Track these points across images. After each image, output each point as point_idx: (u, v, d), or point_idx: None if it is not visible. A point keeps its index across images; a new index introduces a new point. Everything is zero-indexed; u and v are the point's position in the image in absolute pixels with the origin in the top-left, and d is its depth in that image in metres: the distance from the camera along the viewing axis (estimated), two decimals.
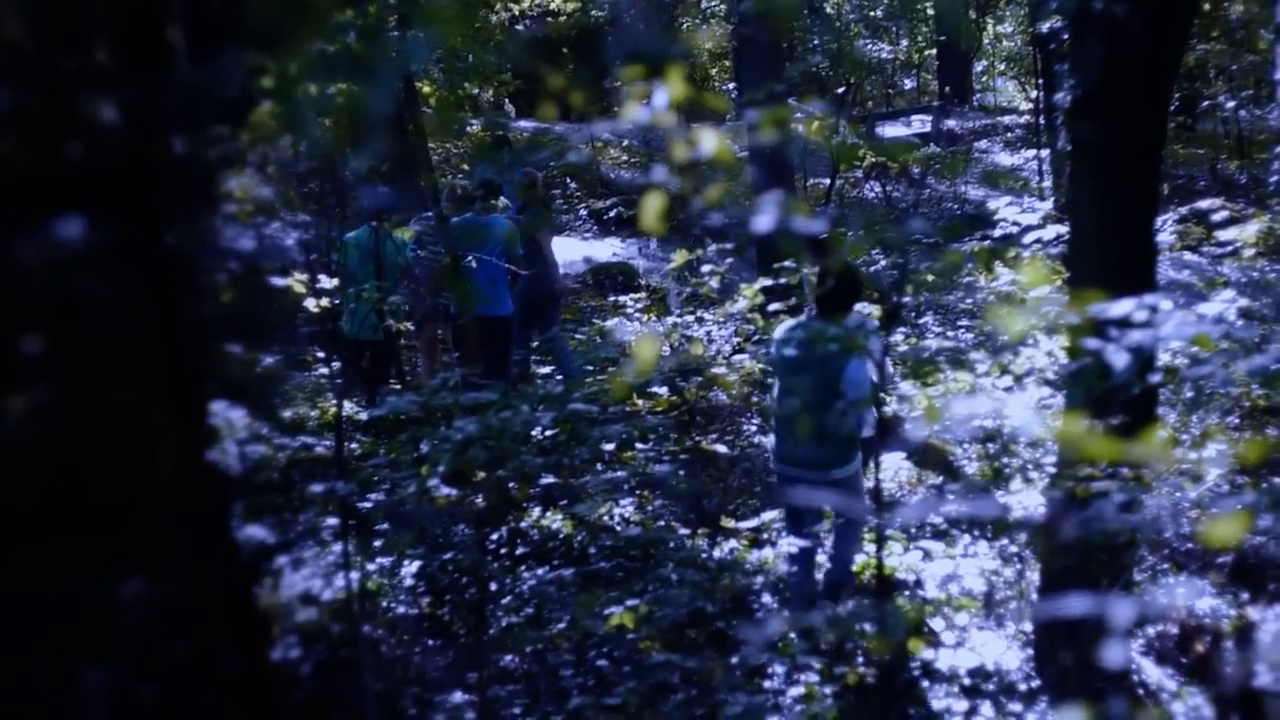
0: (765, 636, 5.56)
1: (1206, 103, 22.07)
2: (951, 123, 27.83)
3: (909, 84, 34.60)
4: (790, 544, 7.53)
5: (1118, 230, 6.60)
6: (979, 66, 34.53)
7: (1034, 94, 25.30)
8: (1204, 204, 10.54)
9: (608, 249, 18.53)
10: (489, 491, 5.77)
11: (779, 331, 7.82)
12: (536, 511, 7.93)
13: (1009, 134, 27.53)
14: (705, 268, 9.70)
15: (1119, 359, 3.48)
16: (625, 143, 24.16)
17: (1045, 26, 17.04)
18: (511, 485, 5.97)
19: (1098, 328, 3.57)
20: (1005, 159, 25.56)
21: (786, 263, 9.64)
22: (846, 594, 7.52)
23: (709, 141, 2.62)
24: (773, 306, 9.87)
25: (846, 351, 5.57)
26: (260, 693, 2.54)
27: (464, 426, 5.60)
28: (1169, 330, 3.63)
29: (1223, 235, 10.24)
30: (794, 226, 2.61)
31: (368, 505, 6.15)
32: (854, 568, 7.67)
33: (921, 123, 27.85)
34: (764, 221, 2.60)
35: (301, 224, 5.82)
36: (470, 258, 10.48)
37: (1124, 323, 3.55)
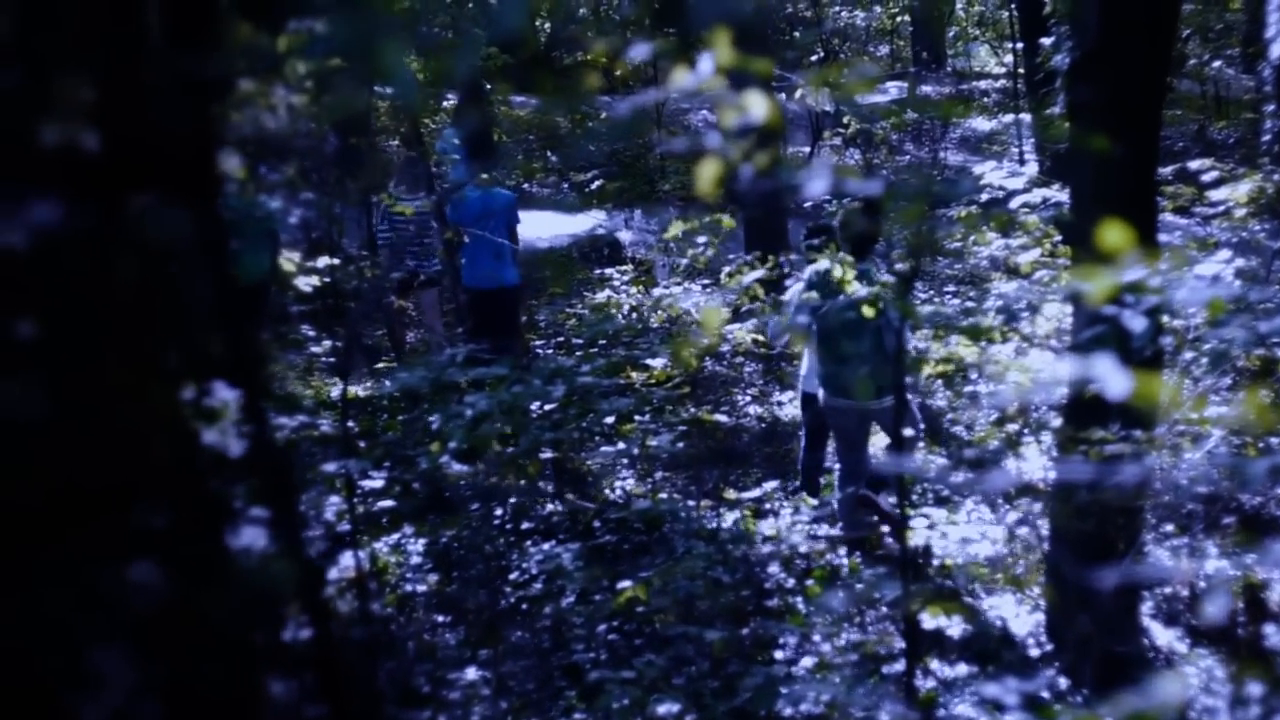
0: (834, 608, 5.55)
1: (1192, 62, 22.07)
2: (927, 89, 27.78)
3: (883, 50, 34.48)
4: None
5: (1119, 192, 6.58)
6: (952, 31, 34.41)
7: (1009, 58, 25.25)
8: (1194, 164, 10.50)
9: (591, 221, 18.41)
10: (506, 467, 5.74)
11: (813, 272, 8.37)
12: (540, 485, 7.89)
13: (985, 99, 27.47)
14: (700, 239, 9.63)
15: (1136, 323, 3.47)
16: (604, 115, 24.00)
17: None
18: (523, 461, 5.94)
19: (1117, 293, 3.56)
20: (983, 124, 25.53)
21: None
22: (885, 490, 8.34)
23: (759, 107, 2.57)
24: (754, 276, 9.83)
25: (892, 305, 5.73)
26: (329, 671, 2.52)
27: (475, 402, 5.56)
28: (1184, 295, 3.63)
29: (1214, 196, 10.22)
30: (848, 189, 2.57)
31: (376, 483, 6.09)
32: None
33: (898, 89, 27.83)
34: (818, 185, 2.57)
35: (301, 202, 5.77)
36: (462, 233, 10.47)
37: (1137, 287, 3.54)
